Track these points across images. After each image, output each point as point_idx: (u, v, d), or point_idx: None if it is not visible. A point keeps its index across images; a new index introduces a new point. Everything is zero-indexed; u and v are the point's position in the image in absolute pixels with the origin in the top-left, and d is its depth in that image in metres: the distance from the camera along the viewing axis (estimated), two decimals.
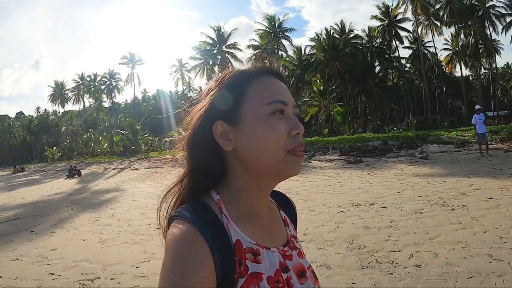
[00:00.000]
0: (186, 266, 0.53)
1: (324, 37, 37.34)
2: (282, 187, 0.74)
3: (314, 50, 38.33)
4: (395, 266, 3.62)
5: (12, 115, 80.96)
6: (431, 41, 40.61)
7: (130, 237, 5.71)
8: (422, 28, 37.93)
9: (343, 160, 13.57)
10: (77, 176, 21.24)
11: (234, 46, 39.23)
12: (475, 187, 7.05)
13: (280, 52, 40.42)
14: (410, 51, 41.96)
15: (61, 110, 67.38)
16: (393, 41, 39.67)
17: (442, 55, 41.77)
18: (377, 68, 38.95)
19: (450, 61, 40.20)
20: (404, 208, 5.89)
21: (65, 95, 62.57)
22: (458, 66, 38.87)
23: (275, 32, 37.40)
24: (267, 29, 37.55)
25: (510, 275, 3.15)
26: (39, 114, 74.15)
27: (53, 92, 62.78)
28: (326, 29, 38.03)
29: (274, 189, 0.78)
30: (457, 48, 37.07)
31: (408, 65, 44.63)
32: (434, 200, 6.27)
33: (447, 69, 42.99)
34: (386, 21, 38.68)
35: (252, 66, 0.68)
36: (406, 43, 40.96)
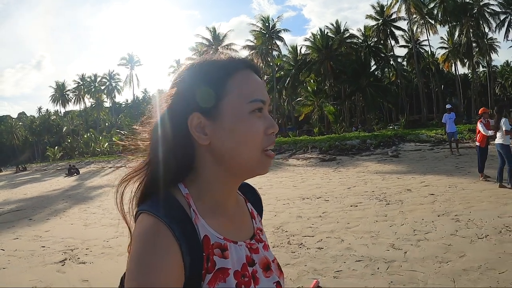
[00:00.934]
0: (152, 262, 0.52)
1: (318, 37, 38.51)
2: (249, 181, 0.77)
3: (310, 50, 39.43)
4: (300, 247, 4.21)
5: (14, 115, 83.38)
6: (427, 39, 41.42)
7: (109, 221, 7.03)
8: (417, 27, 38.74)
9: (319, 158, 14.61)
10: (75, 174, 22.72)
11: (229, 46, 40.45)
12: (424, 184, 7.54)
13: (274, 53, 41.50)
14: (406, 50, 42.76)
15: (63, 110, 69.14)
16: (388, 40, 40.51)
17: (440, 54, 42.54)
18: (373, 67, 39.83)
19: (446, 60, 40.89)
20: (344, 202, 6.56)
21: (66, 95, 64.17)
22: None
23: (269, 33, 38.54)
24: (261, 30, 38.68)
25: (398, 262, 3.45)
26: (41, 114, 76.16)
27: (54, 93, 64.47)
28: (320, 29, 39.13)
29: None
30: (452, 47, 37.87)
31: (405, 63, 45.42)
32: (376, 195, 6.84)
33: (444, 67, 43.76)
34: (381, 20, 39.53)
35: (233, 58, 0.66)
36: (402, 42, 41.77)
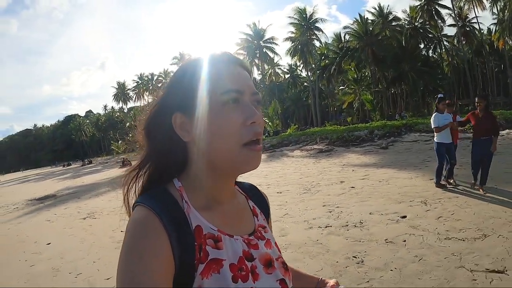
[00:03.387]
0: (142, 250, 0.55)
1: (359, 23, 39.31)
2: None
3: (351, 38, 40.35)
4: None
5: (82, 113, 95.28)
6: (479, 16, 39.70)
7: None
8: (464, 3, 37.55)
9: (319, 149, 16.59)
10: (128, 166, 27.54)
11: (271, 40, 43.16)
12: (366, 176, 8.50)
13: (316, 42, 43.12)
14: (455, 30, 41.42)
15: (126, 107, 77.57)
16: (434, 20, 39.61)
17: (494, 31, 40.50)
18: (418, 50, 39.40)
19: (500, 37, 38.76)
20: (276, 189, 8.14)
21: (126, 94, 72.06)
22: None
23: (307, 24, 40.32)
24: (300, 22, 40.63)
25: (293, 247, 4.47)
26: (106, 111, 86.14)
27: (116, 92, 72.78)
28: (359, 14, 39.84)
29: (245, 181, 0.87)
30: (503, 22, 35.99)
31: (456, 44, 43.94)
32: (308, 184, 8.29)
33: (499, 45, 41.47)
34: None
35: (212, 54, 0.68)
36: (450, 21, 40.54)
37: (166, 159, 0.70)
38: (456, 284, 2.99)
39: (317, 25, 40.88)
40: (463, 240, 3.87)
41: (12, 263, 5.33)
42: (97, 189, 14.53)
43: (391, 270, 3.37)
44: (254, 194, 0.86)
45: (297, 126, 34.65)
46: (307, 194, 7.38)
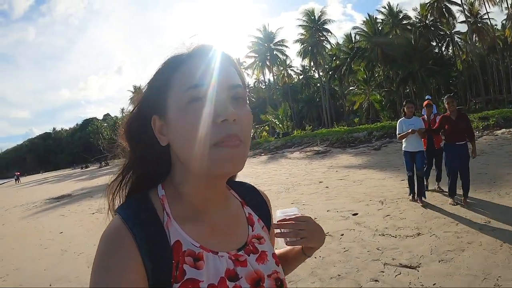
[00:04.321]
0: (110, 266, 0.54)
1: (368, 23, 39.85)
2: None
3: (361, 38, 40.89)
4: None
5: (100, 116, 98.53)
6: (490, 12, 39.45)
7: None
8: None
9: (316, 151, 17.39)
10: None
11: (281, 43, 44.26)
12: (363, 177, 8.92)
13: (326, 44, 43.86)
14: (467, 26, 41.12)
15: None
16: (445, 17, 39.55)
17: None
18: (429, 48, 39.43)
19: None
20: (274, 190, 8.89)
21: None
22: None
23: (315, 26, 41.20)
24: (308, 24, 41.54)
25: None
26: (123, 114, 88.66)
27: (132, 96, 75.17)
28: (368, 14, 40.41)
29: (243, 181, 0.81)
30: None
31: (469, 41, 43.72)
32: (287, 184, 9.39)
33: None
34: None
35: (186, 48, 0.64)
36: (461, 18, 40.37)
37: (149, 166, 0.67)
38: (363, 274, 3.38)
39: (326, 26, 41.64)
40: (395, 237, 4.25)
41: (30, 246, 6.61)
42: None
43: (315, 257, 3.80)
44: (253, 198, 0.80)
45: (311, 127, 35.46)
46: (283, 193, 8.31)
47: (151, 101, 0.64)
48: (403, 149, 5.92)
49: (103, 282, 0.53)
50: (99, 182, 20.72)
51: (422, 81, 35.25)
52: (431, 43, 41.34)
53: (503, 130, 13.93)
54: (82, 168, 58.11)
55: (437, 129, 5.68)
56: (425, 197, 5.75)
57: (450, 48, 43.91)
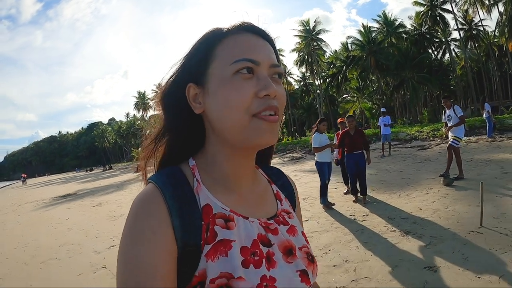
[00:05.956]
0: (138, 231, 0.55)
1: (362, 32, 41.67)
2: None
3: (356, 47, 42.73)
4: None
5: (105, 120, 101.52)
6: (484, 19, 40.53)
7: (125, 195, 13.86)
8: (468, 7, 38.67)
9: (293, 157, 18.93)
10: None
11: (279, 52, 46.25)
12: (310, 180, 10.10)
13: (321, 52, 45.87)
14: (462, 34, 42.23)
15: (147, 115, 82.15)
16: (438, 25, 40.72)
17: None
18: (423, 56, 40.67)
19: (508, 39, 38.83)
20: None
21: (146, 103, 76.88)
22: None
23: (310, 35, 43.29)
24: (303, 34, 43.66)
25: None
26: (128, 119, 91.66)
27: (137, 101, 77.79)
28: (363, 24, 42.22)
29: (273, 166, 0.84)
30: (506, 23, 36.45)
31: (462, 48, 45.15)
32: None
33: (509, 47, 41.88)
34: (426, 6, 40.33)
35: (230, 23, 0.66)
36: (455, 26, 41.57)
37: (182, 134, 0.69)
38: None
39: (320, 36, 43.66)
40: None
41: (43, 228, 8.69)
42: (109, 189, 18.07)
43: None
44: (279, 179, 0.82)
45: (310, 133, 36.78)
46: None
47: (190, 69, 0.65)
48: (318, 160, 6.53)
49: (133, 250, 0.53)
50: (102, 184, 22.95)
51: (413, 89, 36.90)
52: (427, 50, 42.89)
53: (464, 138, 14.85)
54: (86, 171, 60.78)
55: (340, 143, 6.80)
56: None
57: (446, 55, 45.11)
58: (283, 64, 49.47)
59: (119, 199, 12.52)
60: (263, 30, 0.66)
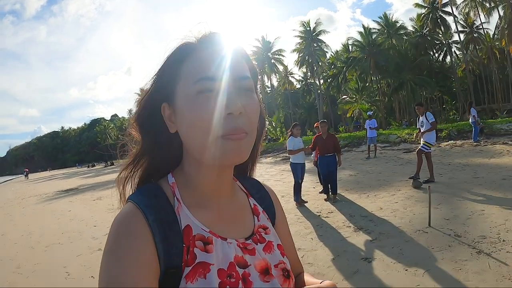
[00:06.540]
0: (121, 251, 0.55)
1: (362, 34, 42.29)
2: None
3: (356, 49, 43.34)
4: None
5: (108, 117, 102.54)
6: (481, 23, 40.62)
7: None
8: (469, 10, 38.95)
9: (284, 157, 19.03)
10: None
11: (279, 53, 47.22)
12: (292, 179, 11.15)
13: (322, 53, 46.53)
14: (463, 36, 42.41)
15: None
16: (439, 27, 41.25)
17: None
18: (420, 58, 41.08)
19: (508, 43, 39.00)
20: None
21: None
22: None
23: (310, 37, 43.96)
24: (303, 35, 44.35)
25: None
26: (130, 116, 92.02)
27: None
28: (363, 25, 42.83)
29: (248, 176, 0.85)
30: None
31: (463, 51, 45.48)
32: None
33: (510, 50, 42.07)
34: (426, 8, 40.80)
35: (194, 37, 0.66)
36: (455, 28, 41.79)
37: (160, 153, 0.69)
38: None
39: (321, 37, 44.35)
40: None
41: (46, 219, 9.45)
42: (110, 184, 18.84)
43: None
44: (258, 192, 0.82)
45: (312, 133, 37.74)
46: None
47: (161, 89, 0.65)
48: (293, 162, 7.05)
49: (116, 270, 0.54)
50: (102, 179, 23.78)
51: (411, 90, 37.45)
52: (428, 52, 43.34)
53: (450, 142, 15.28)
54: (88, 167, 61.80)
55: (313, 146, 7.30)
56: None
57: (447, 57, 45.41)
58: (283, 64, 50.37)
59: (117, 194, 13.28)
60: (230, 42, 0.66)
